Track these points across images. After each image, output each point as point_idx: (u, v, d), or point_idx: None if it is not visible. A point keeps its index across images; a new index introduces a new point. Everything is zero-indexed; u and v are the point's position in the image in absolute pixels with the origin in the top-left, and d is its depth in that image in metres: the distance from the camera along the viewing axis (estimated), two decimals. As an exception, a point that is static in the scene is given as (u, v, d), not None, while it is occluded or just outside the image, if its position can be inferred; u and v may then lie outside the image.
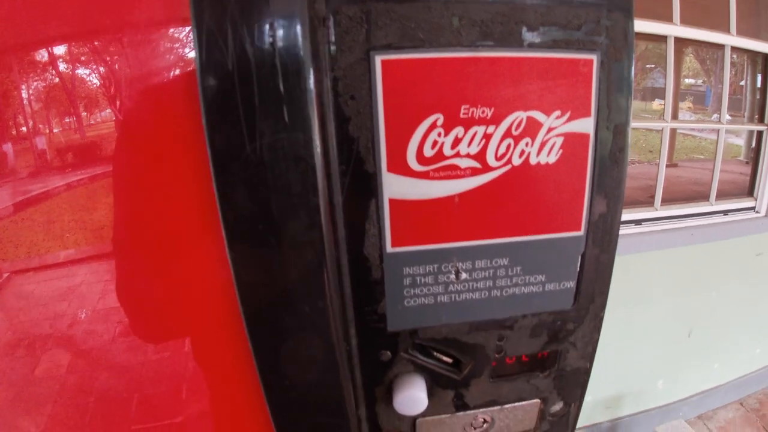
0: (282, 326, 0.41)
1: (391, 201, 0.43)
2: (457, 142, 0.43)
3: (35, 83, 0.43)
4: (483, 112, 0.43)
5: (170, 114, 0.39)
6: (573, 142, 0.47)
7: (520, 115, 0.44)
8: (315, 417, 0.46)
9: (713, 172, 2.09)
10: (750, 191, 2.28)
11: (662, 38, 1.86)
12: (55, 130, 0.44)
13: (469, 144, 0.43)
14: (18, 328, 0.50)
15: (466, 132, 0.43)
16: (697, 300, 2.18)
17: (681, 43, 1.98)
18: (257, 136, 0.33)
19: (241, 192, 0.35)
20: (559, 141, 0.46)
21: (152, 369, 0.51)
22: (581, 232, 0.50)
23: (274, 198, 0.35)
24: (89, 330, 0.50)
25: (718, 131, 2.10)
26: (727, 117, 2.09)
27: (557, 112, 0.46)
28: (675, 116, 2.18)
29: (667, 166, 2.02)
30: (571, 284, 0.52)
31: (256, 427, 0.50)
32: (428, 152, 0.43)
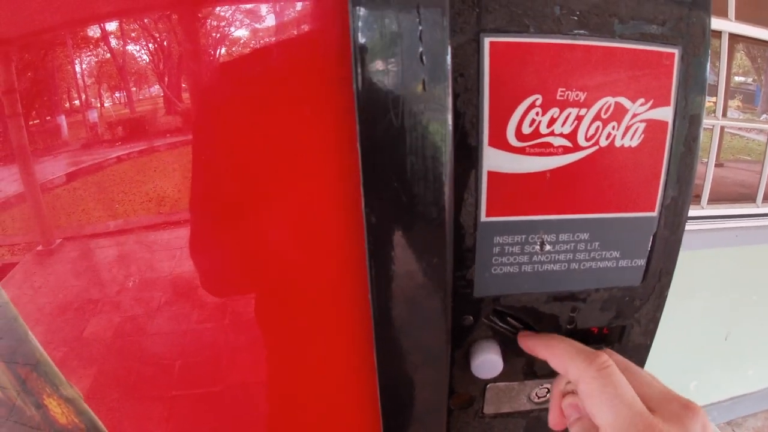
0: (400, 275, 0.46)
1: (490, 173, 0.47)
2: (552, 121, 0.47)
3: (88, 58, 0.46)
4: (577, 95, 0.47)
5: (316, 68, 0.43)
6: (653, 129, 0.50)
7: (609, 101, 0.48)
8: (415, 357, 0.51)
9: (761, 173, 2.05)
10: (798, 196, 2.22)
11: (715, 34, 1.84)
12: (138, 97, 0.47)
13: (563, 124, 0.47)
14: (71, 291, 0.54)
15: (561, 113, 0.47)
16: (737, 303, 2.15)
17: (733, 39, 1.94)
18: (401, 103, 0.38)
19: (382, 152, 0.40)
20: (642, 126, 0.50)
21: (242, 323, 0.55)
22: (655, 213, 0.53)
23: (409, 159, 0.40)
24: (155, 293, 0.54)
25: (768, 132, 2.06)
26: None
27: (641, 100, 0.49)
28: (724, 114, 2.15)
29: (714, 165, 1.99)
30: (642, 262, 0.55)
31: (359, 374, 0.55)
32: (526, 129, 0.46)
